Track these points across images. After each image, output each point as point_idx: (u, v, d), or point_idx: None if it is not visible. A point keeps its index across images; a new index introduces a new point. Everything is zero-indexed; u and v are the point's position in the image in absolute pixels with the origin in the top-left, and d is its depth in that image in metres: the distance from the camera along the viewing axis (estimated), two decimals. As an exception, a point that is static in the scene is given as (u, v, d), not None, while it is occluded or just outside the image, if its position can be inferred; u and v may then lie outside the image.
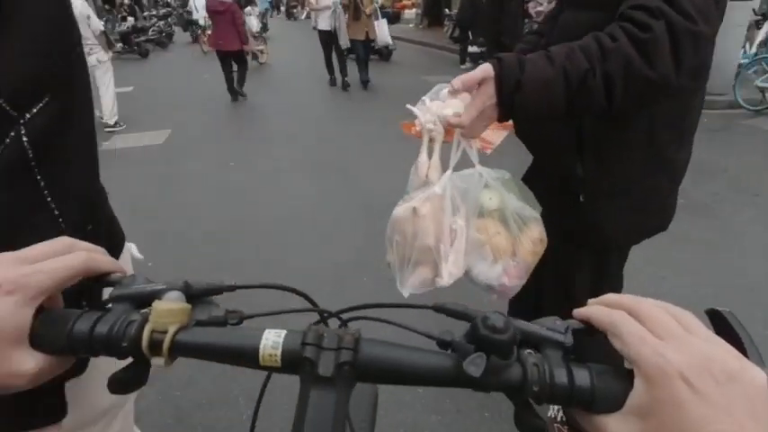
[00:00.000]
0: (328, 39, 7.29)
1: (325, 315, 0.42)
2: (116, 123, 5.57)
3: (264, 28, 11.76)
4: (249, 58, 8.93)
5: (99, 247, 0.40)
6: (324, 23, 7.14)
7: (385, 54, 9.98)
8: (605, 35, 0.85)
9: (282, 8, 24.69)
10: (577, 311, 0.38)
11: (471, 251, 1.00)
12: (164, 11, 16.03)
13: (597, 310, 0.36)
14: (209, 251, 3.01)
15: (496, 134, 1.06)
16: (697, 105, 1.12)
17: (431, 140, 0.94)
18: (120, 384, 0.36)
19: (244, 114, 6.55)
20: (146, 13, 15.34)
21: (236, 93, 7.12)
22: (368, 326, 0.41)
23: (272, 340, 0.35)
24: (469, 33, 8.59)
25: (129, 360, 0.36)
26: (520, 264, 1.03)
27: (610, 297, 0.37)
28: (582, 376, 0.34)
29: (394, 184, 1.68)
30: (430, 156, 0.95)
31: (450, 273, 0.99)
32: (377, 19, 7.43)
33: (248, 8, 9.55)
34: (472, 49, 8.58)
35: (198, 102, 7.16)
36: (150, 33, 12.87)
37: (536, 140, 1.22)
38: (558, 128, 1.13)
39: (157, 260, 2.09)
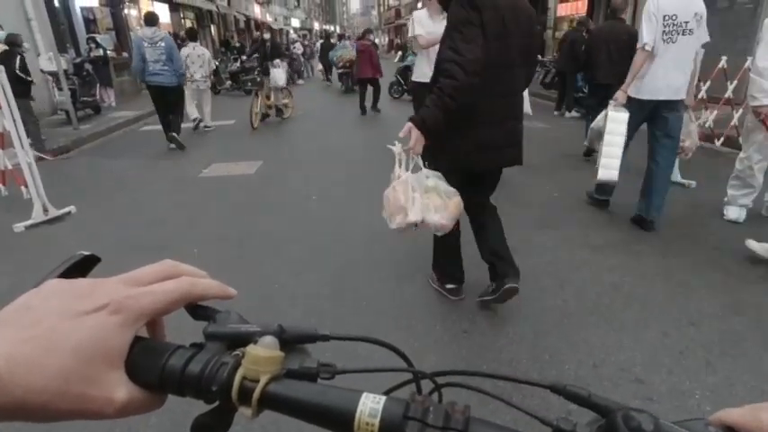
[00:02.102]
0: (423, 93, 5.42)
1: (420, 376, 0.38)
2: (210, 124, 8.50)
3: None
4: (273, 113, 9.17)
5: (202, 271, 0.39)
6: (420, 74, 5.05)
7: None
8: (436, 87, 2.08)
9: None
10: (717, 417, 0.31)
11: (423, 209, 2.15)
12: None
13: (750, 413, 0.30)
14: (281, 280, 3.08)
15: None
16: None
17: (401, 159, 2.14)
18: (204, 428, 0.34)
19: (328, 151, 6.78)
20: (254, 55, 16.49)
21: (364, 108, 9.70)
22: (459, 394, 0.35)
23: (369, 407, 0.31)
24: (577, 77, 8.67)
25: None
26: (450, 215, 2.16)
27: (762, 404, 0.31)
28: None
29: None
30: (400, 165, 2.15)
31: (412, 218, 2.15)
32: None
33: (276, 60, 9.56)
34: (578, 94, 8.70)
35: (288, 137, 7.92)
36: (255, 73, 13.32)
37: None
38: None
39: (233, 284, 3.00)
